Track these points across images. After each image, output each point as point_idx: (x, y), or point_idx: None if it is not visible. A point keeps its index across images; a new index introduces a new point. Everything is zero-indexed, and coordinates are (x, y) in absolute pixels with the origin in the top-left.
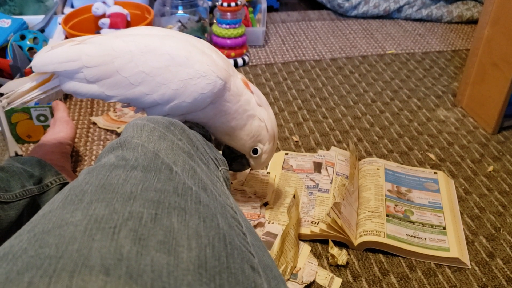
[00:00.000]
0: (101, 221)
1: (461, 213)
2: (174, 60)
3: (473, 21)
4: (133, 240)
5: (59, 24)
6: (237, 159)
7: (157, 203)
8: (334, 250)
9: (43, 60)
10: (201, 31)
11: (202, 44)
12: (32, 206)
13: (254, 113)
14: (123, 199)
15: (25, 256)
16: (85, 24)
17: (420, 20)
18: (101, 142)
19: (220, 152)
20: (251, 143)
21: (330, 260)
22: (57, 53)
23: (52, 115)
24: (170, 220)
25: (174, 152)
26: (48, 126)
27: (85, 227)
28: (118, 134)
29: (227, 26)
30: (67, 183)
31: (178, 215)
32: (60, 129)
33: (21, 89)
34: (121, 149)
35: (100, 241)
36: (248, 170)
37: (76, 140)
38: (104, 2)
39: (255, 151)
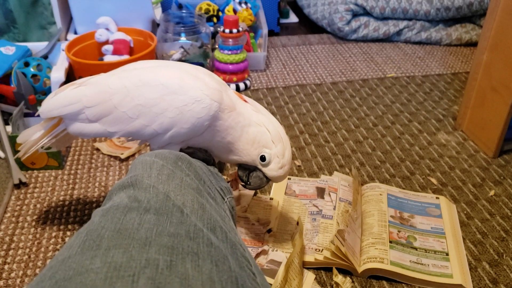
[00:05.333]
0: (120, 269)
1: (464, 239)
2: (168, 89)
3: (472, 44)
4: None
5: (63, 50)
6: (252, 173)
7: (171, 248)
8: (339, 278)
9: (48, 106)
10: (204, 56)
11: (197, 70)
12: None
13: (249, 122)
14: (139, 245)
15: None
16: (88, 51)
17: (419, 43)
18: (105, 169)
19: (225, 177)
20: (255, 150)
21: None
22: (60, 98)
23: None
24: (184, 267)
25: (183, 191)
26: (51, 153)
27: (105, 275)
28: (121, 160)
29: (229, 52)
30: None
31: (191, 261)
32: None
33: (33, 137)
34: (133, 188)
35: None
36: (251, 197)
37: (79, 166)
38: (107, 29)
39: (262, 158)
